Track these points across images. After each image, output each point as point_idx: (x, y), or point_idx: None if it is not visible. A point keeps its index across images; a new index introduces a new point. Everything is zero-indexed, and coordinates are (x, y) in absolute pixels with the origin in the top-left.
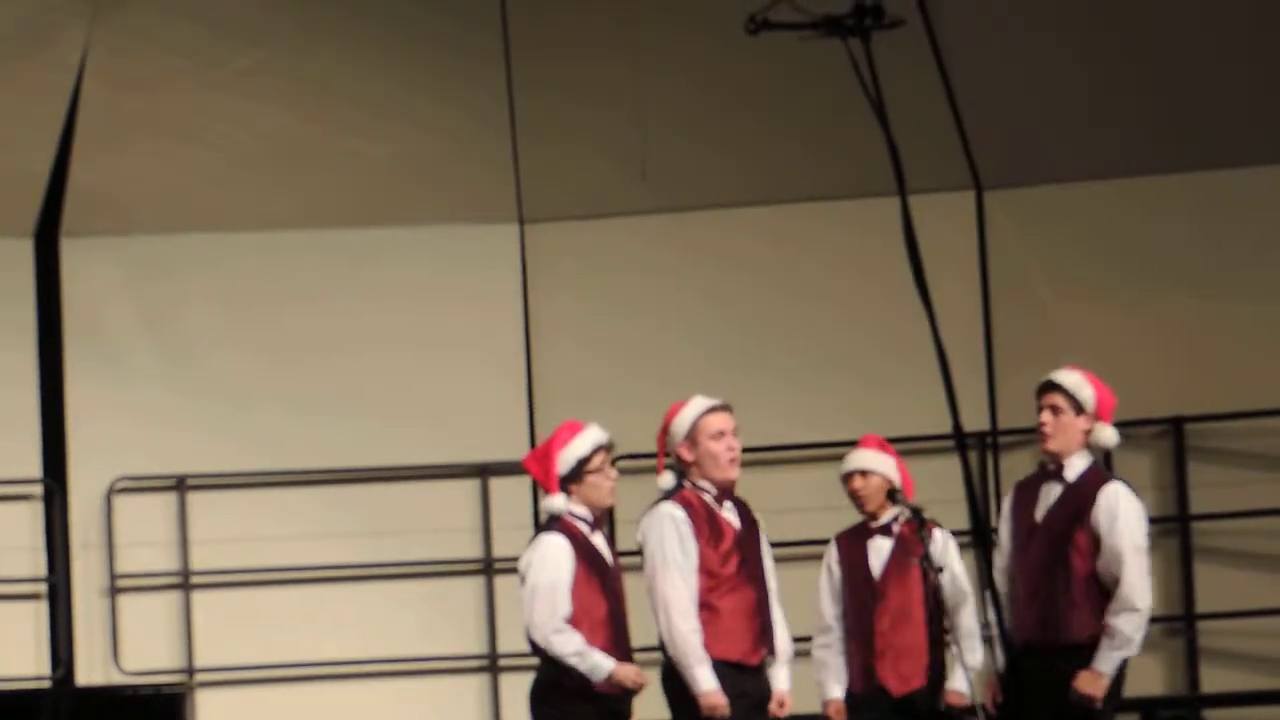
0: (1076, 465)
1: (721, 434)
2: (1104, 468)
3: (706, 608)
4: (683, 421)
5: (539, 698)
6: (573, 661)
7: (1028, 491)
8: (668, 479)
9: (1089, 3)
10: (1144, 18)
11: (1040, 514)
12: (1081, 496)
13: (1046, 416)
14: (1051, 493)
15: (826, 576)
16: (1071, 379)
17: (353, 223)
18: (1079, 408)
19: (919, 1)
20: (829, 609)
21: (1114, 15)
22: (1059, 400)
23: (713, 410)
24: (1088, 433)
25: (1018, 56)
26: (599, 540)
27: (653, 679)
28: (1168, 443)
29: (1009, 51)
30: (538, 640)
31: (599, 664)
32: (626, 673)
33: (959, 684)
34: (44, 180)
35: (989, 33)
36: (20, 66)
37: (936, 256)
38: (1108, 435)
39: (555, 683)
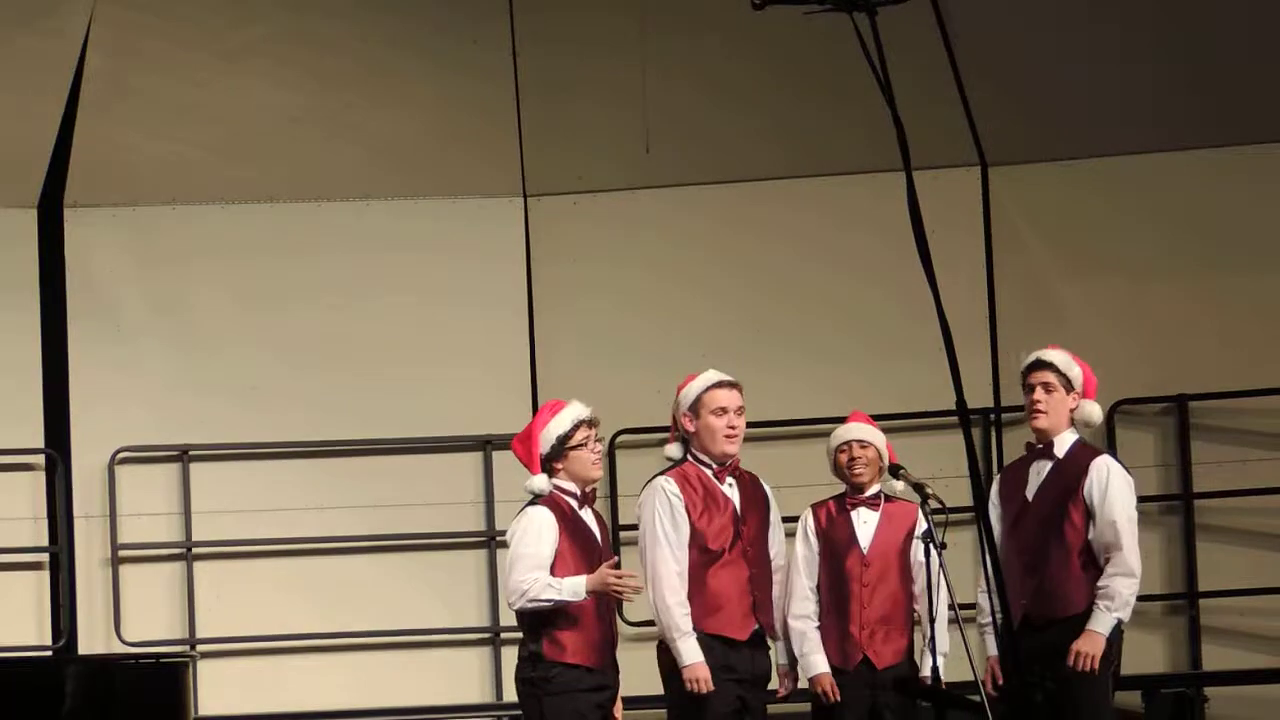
0: (1065, 442)
1: (724, 410)
2: (1090, 443)
3: (697, 582)
4: (689, 392)
5: (524, 671)
6: (550, 595)
7: (1016, 473)
8: (675, 449)
9: None
10: None
11: (1031, 492)
12: (1073, 471)
13: (1040, 394)
14: (1042, 470)
15: (804, 546)
16: (1060, 357)
17: (356, 195)
18: (1069, 385)
19: None
20: (806, 580)
21: None
22: (1050, 378)
23: (719, 385)
24: (1074, 410)
25: (1023, 32)
26: (587, 515)
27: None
28: (1171, 420)
29: (1014, 27)
30: (513, 603)
31: (576, 585)
32: (599, 575)
33: (926, 670)
34: (48, 150)
35: (994, 8)
36: (24, 36)
37: (941, 232)
38: (1093, 411)
39: (538, 656)
